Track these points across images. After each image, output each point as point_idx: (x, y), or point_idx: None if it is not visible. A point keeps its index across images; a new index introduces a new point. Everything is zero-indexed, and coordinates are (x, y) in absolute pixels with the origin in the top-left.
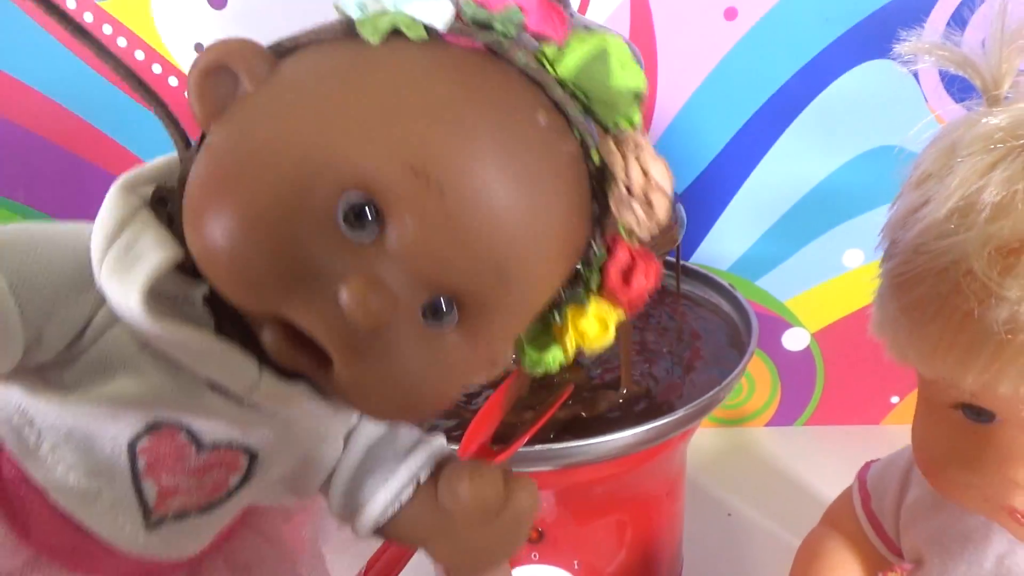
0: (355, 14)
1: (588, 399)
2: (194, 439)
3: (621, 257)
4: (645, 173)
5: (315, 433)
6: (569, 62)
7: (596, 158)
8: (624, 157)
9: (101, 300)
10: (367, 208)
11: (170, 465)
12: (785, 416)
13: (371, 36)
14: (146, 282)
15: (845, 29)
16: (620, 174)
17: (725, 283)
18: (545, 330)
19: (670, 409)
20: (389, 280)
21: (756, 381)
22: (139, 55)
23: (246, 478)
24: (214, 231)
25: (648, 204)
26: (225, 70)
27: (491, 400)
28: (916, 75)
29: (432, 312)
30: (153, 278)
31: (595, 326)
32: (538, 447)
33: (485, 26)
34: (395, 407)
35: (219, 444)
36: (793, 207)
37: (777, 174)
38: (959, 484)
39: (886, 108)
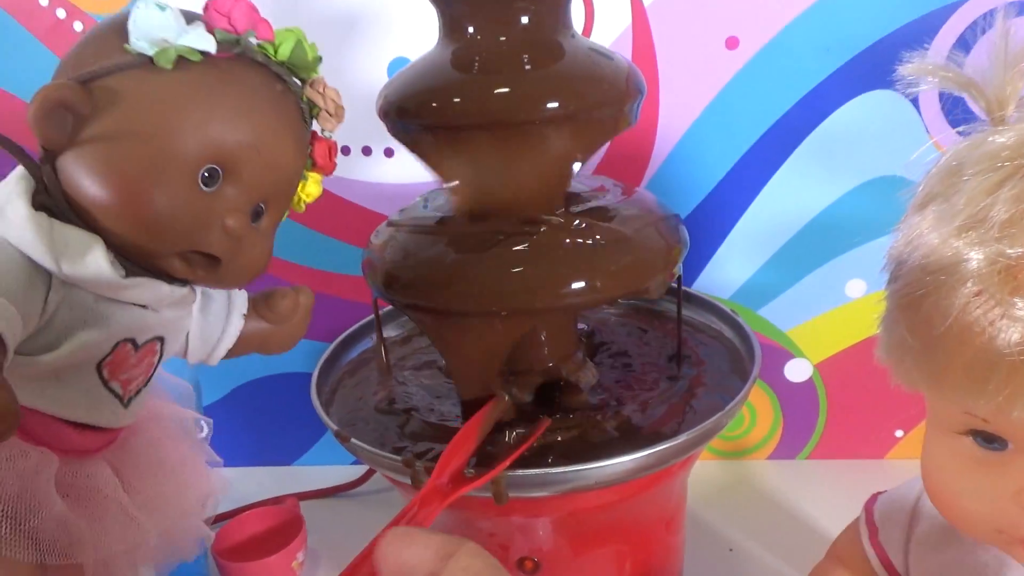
0: (150, 52)
1: (585, 424)
2: (133, 344)
3: (322, 146)
4: (333, 100)
5: (187, 311)
6: (284, 50)
7: (304, 99)
8: (320, 94)
9: (47, 287)
10: (215, 172)
11: (121, 367)
12: (787, 449)
13: (166, 64)
14: (106, 257)
15: (846, 59)
16: (321, 104)
17: (727, 309)
18: None
19: (671, 435)
20: (237, 205)
21: (758, 412)
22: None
23: (161, 355)
24: (137, 212)
25: (337, 116)
26: (59, 107)
27: (467, 426)
28: (916, 104)
29: (255, 216)
30: (108, 258)
31: (315, 188)
32: (535, 471)
33: (235, 43)
34: (254, 273)
35: (146, 341)
36: (795, 236)
37: (779, 203)
38: (971, 515)
39: (887, 138)
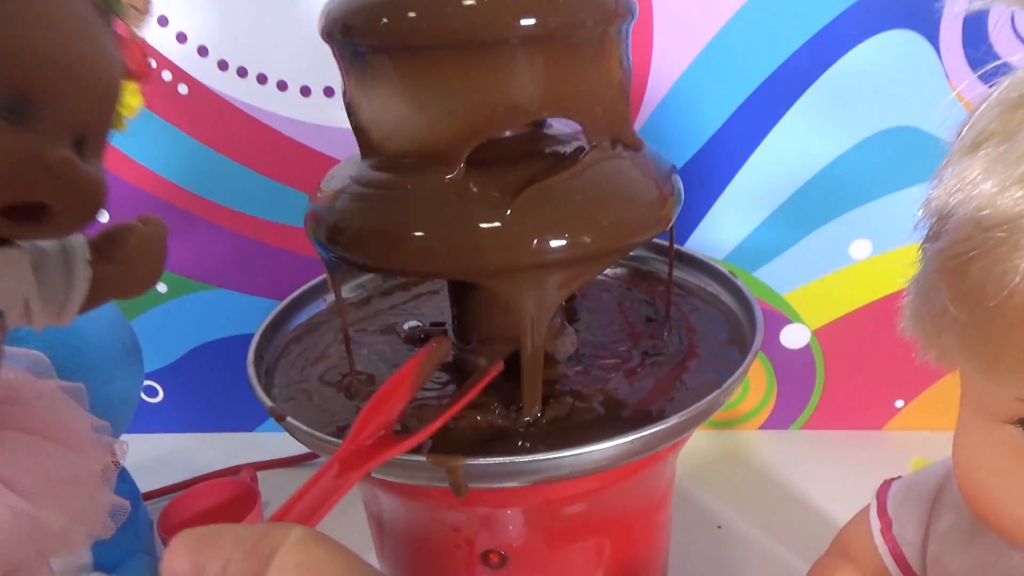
0: None
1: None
2: None
3: (133, 49)
4: None
5: (16, 272)
6: None
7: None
8: None
9: None
10: (19, 101)
11: None
12: (780, 419)
13: None
14: None
15: None
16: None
17: (725, 270)
18: None
19: (660, 416)
20: (56, 140)
21: (750, 380)
22: None
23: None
24: None
25: (143, 8)
26: None
27: (399, 373)
28: (938, 49)
29: (77, 148)
30: None
31: (133, 98)
32: (500, 460)
33: None
34: (89, 215)
35: None
36: (797, 192)
37: (780, 155)
38: (1011, 515)
39: (903, 84)
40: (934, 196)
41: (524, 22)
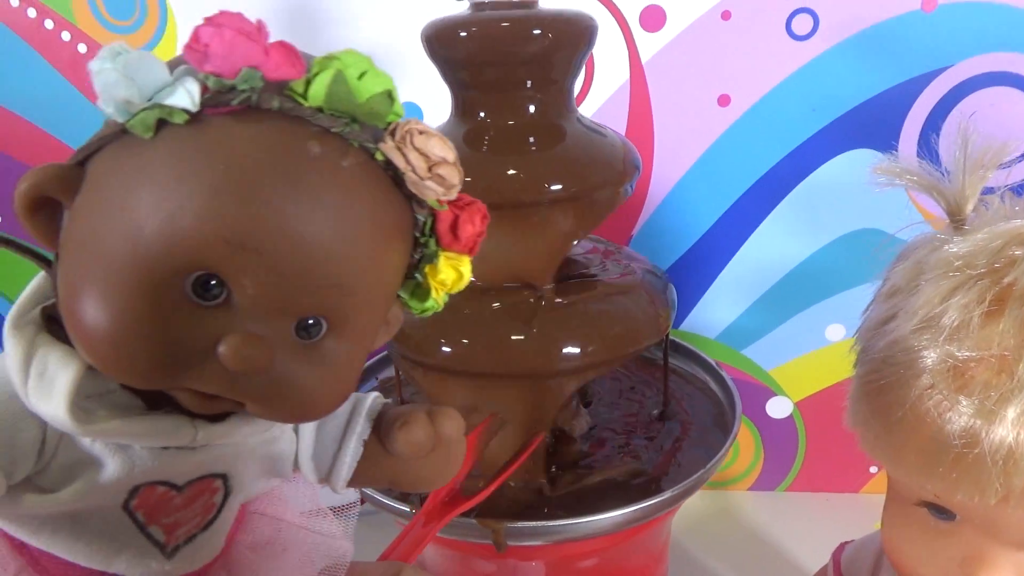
0: (121, 118)
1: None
2: (171, 485)
3: (443, 218)
4: (424, 155)
5: (265, 439)
6: (316, 92)
7: (380, 157)
8: (400, 149)
9: (44, 424)
10: (210, 280)
11: (162, 509)
12: (767, 481)
13: (144, 133)
14: (67, 400)
15: (831, 119)
16: (403, 164)
17: (711, 360)
18: (418, 287)
19: (658, 488)
20: (252, 327)
21: (740, 446)
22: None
23: (227, 493)
24: (93, 338)
25: (439, 177)
26: (42, 198)
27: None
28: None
29: (303, 332)
30: (71, 394)
31: (451, 273)
32: (537, 523)
33: (231, 89)
34: (307, 414)
35: (192, 480)
36: (778, 282)
37: (764, 251)
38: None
39: (867, 193)
40: (861, 329)
41: (553, 188)
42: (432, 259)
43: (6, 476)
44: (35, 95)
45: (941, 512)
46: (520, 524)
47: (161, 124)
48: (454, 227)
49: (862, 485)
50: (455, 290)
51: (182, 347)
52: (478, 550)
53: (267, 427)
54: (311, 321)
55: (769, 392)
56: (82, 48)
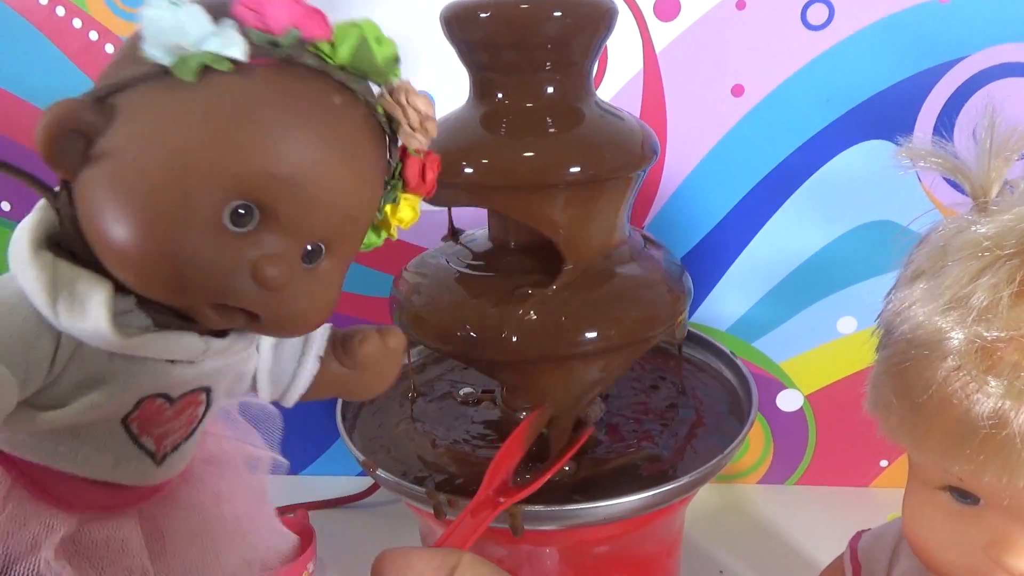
0: (167, 61)
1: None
2: (166, 398)
3: (414, 165)
4: (417, 111)
5: (242, 357)
6: (343, 52)
7: (381, 110)
8: (400, 104)
9: (56, 342)
10: (248, 209)
11: (154, 421)
12: (777, 475)
13: (188, 76)
14: (108, 316)
15: (844, 110)
16: (401, 117)
17: (726, 350)
18: (376, 223)
19: (674, 475)
20: (277, 250)
21: (750, 439)
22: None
23: (208, 405)
24: (134, 259)
25: (425, 130)
26: (68, 129)
27: (512, 437)
28: None
29: (309, 258)
30: (111, 310)
31: (409, 212)
32: (549, 508)
33: (274, 44)
34: (306, 326)
35: (184, 393)
36: (790, 274)
37: (776, 243)
38: (946, 563)
39: (880, 185)
40: (884, 313)
41: (572, 170)
42: (396, 199)
43: (20, 388)
44: (46, 83)
45: (964, 496)
46: (537, 508)
47: (204, 70)
48: (423, 173)
49: (872, 479)
50: (407, 226)
51: (217, 268)
52: (494, 535)
53: (250, 344)
54: (313, 248)
55: (780, 385)
56: (93, 36)
